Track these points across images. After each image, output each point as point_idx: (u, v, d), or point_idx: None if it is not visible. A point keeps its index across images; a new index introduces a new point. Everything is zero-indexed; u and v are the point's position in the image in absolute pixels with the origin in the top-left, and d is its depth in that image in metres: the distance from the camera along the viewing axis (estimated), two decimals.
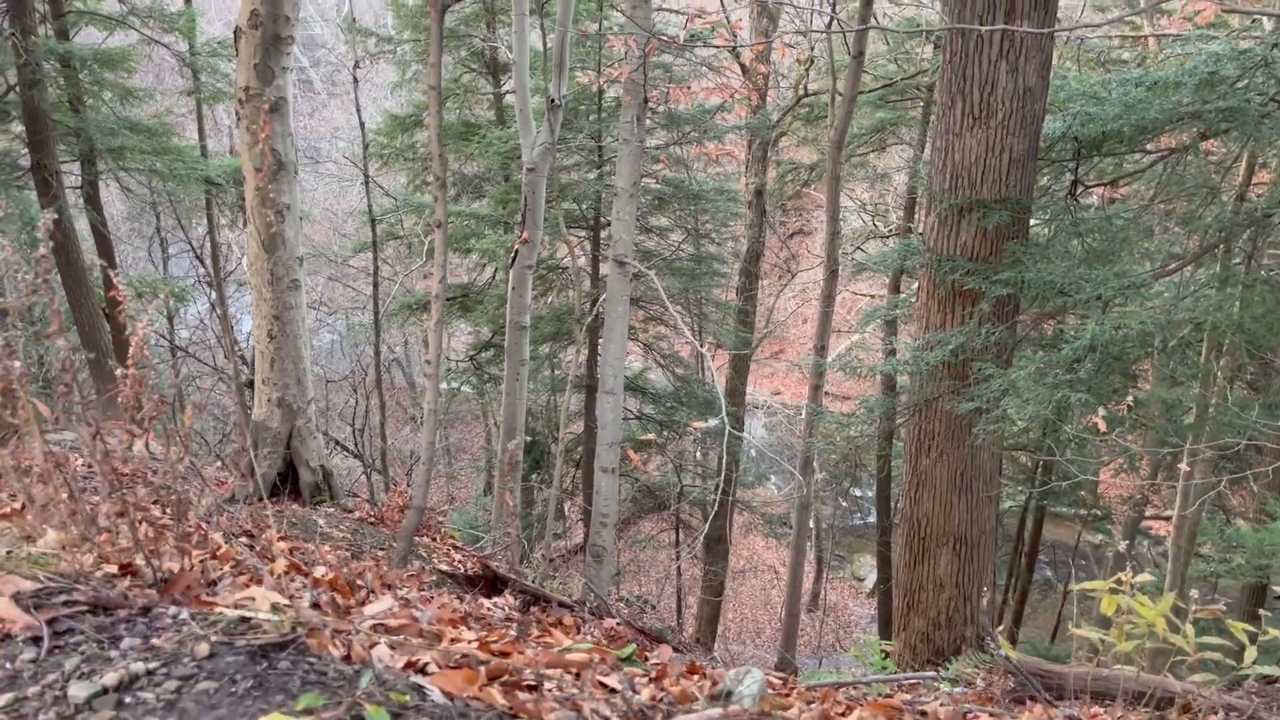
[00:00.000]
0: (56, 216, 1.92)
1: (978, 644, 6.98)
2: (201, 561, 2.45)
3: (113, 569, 1.97)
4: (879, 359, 15.53)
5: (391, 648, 1.94)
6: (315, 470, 6.80)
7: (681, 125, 13.97)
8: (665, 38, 7.90)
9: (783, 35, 12.36)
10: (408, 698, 1.53)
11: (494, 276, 15.66)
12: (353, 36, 16.32)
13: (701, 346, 12.87)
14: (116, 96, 12.62)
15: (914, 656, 7.15)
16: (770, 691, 2.52)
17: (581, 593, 5.90)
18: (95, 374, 10.59)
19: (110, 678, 1.46)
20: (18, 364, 1.84)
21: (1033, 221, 6.80)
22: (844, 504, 23.80)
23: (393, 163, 16.60)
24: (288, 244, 6.33)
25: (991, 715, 2.82)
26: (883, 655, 7.16)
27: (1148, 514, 14.43)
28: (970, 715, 2.88)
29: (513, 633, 2.93)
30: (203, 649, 1.57)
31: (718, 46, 12.53)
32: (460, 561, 6.76)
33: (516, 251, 7.46)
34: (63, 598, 1.73)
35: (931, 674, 4.73)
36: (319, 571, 3.20)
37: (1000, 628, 12.80)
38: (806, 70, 15.33)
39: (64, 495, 2.03)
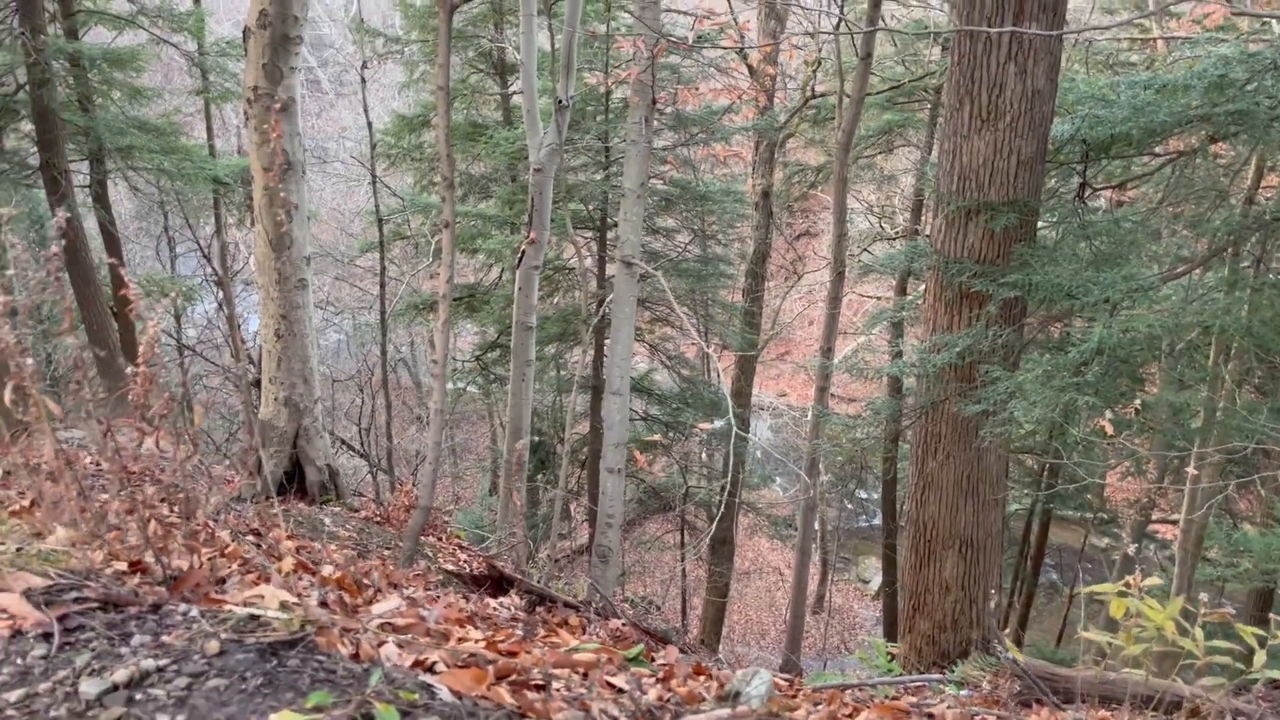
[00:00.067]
0: (69, 215, 1.93)
1: (983, 647, 6.97)
2: (210, 559, 2.46)
3: (122, 566, 1.98)
4: (885, 361, 15.51)
5: (399, 646, 1.95)
6: (321, 469, 6.81)
7: (689, 126, 13.97)
8: (674, 39, 7.91)
9: (790, 37, 12.36)
10: (417, 696, 1.54)
11: (500, 277, 15.67)
12: (361, 37, 16.36)
13: (708, 348, 12.85)
14: (125, 96, 12.68)
15: (919, 659, 7.14)
16: (777, 693, 2.52)
17: (587, 593, 5.90)
18: (103, 372, 10.62)
19: (121, 674, 1.47)
20: (30, 361, 1.85)
21: (1040, 224, 6.78)
22: (849, 506, 23.78)
23: (400, 163, 16.63)
24: (295, 243, 6.35)
25: (998, 718, 2.82)
26: (888, 658, 7.15)
27: (1154, 518, 14.38)
28: (977, 718, 2.88)
29: (519, 632, 2.94)
30: (213, 646, 1.58)
31: (726, 48, 12.54)
32: (466, 561, 6.77)
33: (523, 252, 7.47)
34: (73, 594, 1.74)
35: (937, 677, 4.72)
36: (326, 570, 3.21)
37: (1006, 631, 12.78)
38: (814, 72, 15.32)
39: (74, 493, 2.04)
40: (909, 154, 17.92)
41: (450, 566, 6.19)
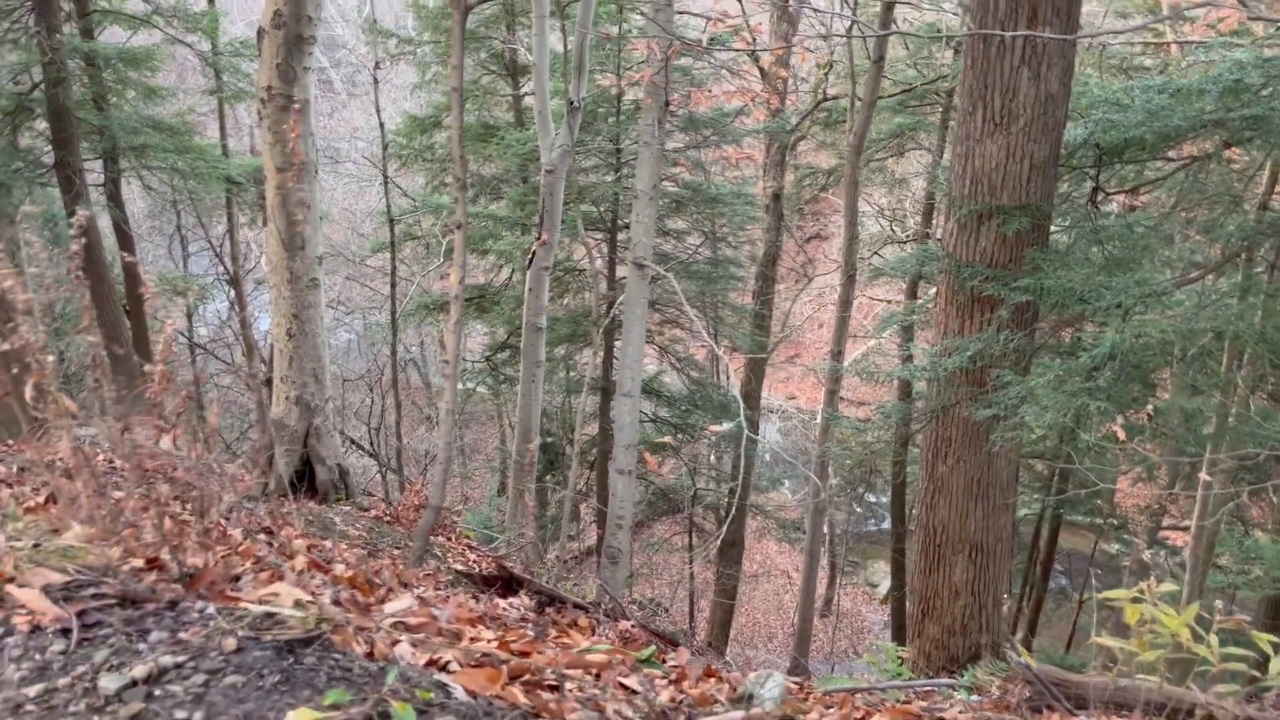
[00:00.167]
0: (89, 214, 1.95)
1: (993, 652, 6.96)
2: (224, 557, 2.47)
3: (139, 563, 1.99)
4: (895, 365, 15.48)
5: (413, 645, 1.95)
6: (332, 468, 6.84)
7: (701, 128, 13.97)
8: (688, 41, 7.92)
9: (804, 40, 12.36)
10: (432, 695, 1.54)
11: (510, 278, 15.69)
12: (373, 37, 16.41)
13: (719, 350, 12.86)
14: (140, 95, 12.75)
15: (929, 663, 7.13)
16: (790, 696, 2.52)
17: (596, 594, 5.91)
18: (117, 370, 10.67)
19: (139, 670, 1.48)
20: (50, 359, 1.87)
21: (1053, 228, 6.77)
22: (858, 510, 23.73)
23: (411, 163, 16.67)
24: (307, 243, 6.37)
25: None
26: (898, 661, 7.14)
27: (1165, 524, 14.32)
28: None
29: (530, 633, 2.94)
30: (230, 643, 1.59)
31: (738, 50, 12.54)
32: (475, 561, 6.78)
33: (534, 253, 7.49)
34: (91, 591, 1.75)
35: (947, 681, 4.71)
36: (338, 569, 3.22)
37: (1016, 636, 12.74)
38: (825, 74, 15.31)
39: (91, 489, 2.05)
40: (920, 157, 17.89)
41: (460, 566, 6.20)
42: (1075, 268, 6.05)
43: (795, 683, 3.27)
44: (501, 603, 4.50)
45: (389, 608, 2.33)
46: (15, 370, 1.90)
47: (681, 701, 2.02)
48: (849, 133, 11.38)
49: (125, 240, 13.00)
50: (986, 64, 6.14)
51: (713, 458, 20.23)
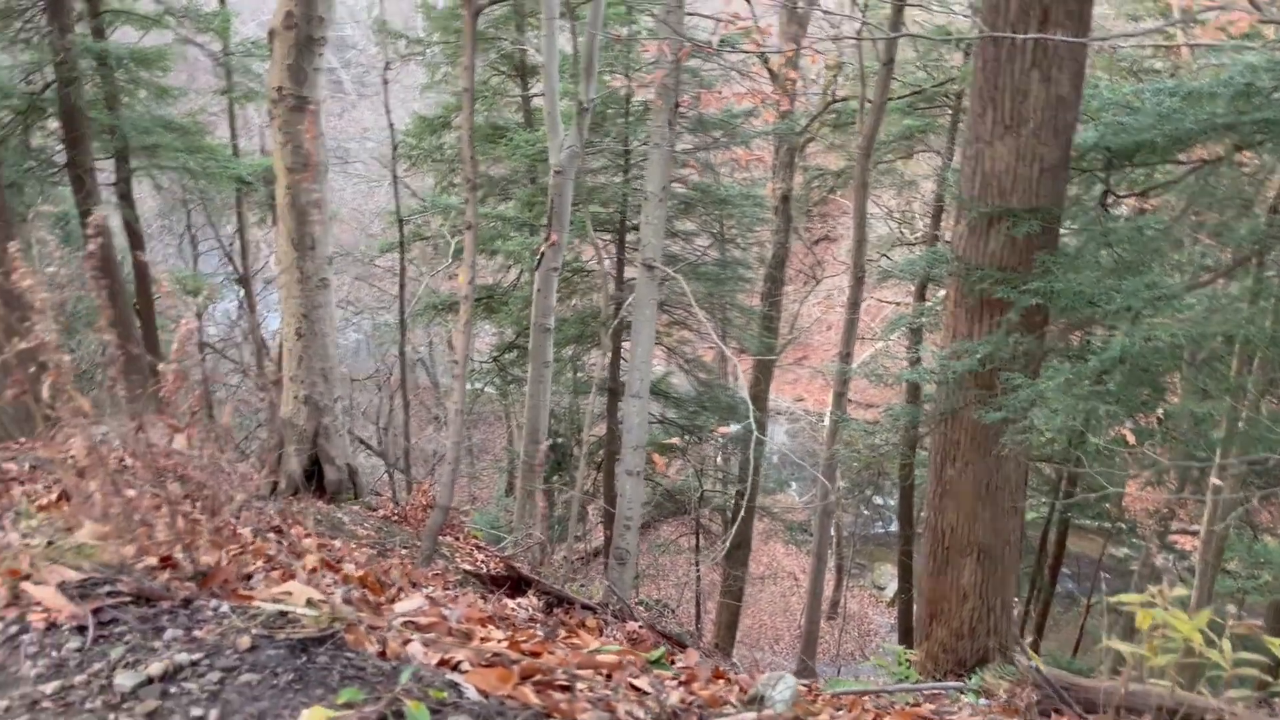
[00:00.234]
0: (105, 214, 1.96)
1: (1001, 655, 6.94)
2: (236, 556, 2.49)
3: (153, 561, 2.00)
4: (903, 367, 15.45)
5: (424, 645, 1.96)
6: (341, 468, 6.85)
7: (710, 130, 13.97)
8: (698, 43, 7.92)
9: (813, 42, 12.35)
10: (445, 695, 1.55)
11: (519, 278, 15.71)
12: (383, 38, 16.45)
13: (728, 352, 12.85)
14: (151, 95, 12.80)
15: (936, 666, 7.11)
16: (802, 698, 2.52)
17: (604, 595, 5.92)
18: (128, 368, 10.71)
19: (155, 668, 1.49)
20: (68, 358, 1.88)
21: (1062, 231, 6.75)
22: (866, 512, 23.68)
23: (421, 164, 16.71)
24: (318, 243, 6.39)
25: None
26: (907, 664, 7.13)
27: (1173, 528, 14.25)
28: None
29: (540, 633, 2.95)
30: (244, 642, 1.60)
31: (749, 52, 12.53)
32: (483, 561, 6.80)
33: (542, 254, 7.50)
34: (106, 588, 1.76)
35: (955, 684, 4.71)
36: (348, 568, 3.23)
37: (1028, 640, 12.71)
38: (835, 76, 15.29)
39: (106, 488, 2.06)
40: (929, 159, 17.85)
41: (468, 566, 6.22)
42: (1085, 271, 6.04)
43: (804, 685, 3.27)
44: (510, 603, 4.51)
45: (399, 607, 2.34)
46: (33, 369, 1.91)
47: (692, 703, 2.02)
48: (858, 135, 11.37)
49: (136, 239, 13.05)
50: (997, 66, 6.13)
51: (719, 459, 20.22)
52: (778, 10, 13.92)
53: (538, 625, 3.63)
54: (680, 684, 2.27)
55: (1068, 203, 6.73)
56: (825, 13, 15.03)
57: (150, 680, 1.47)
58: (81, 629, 1.62)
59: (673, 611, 16.60)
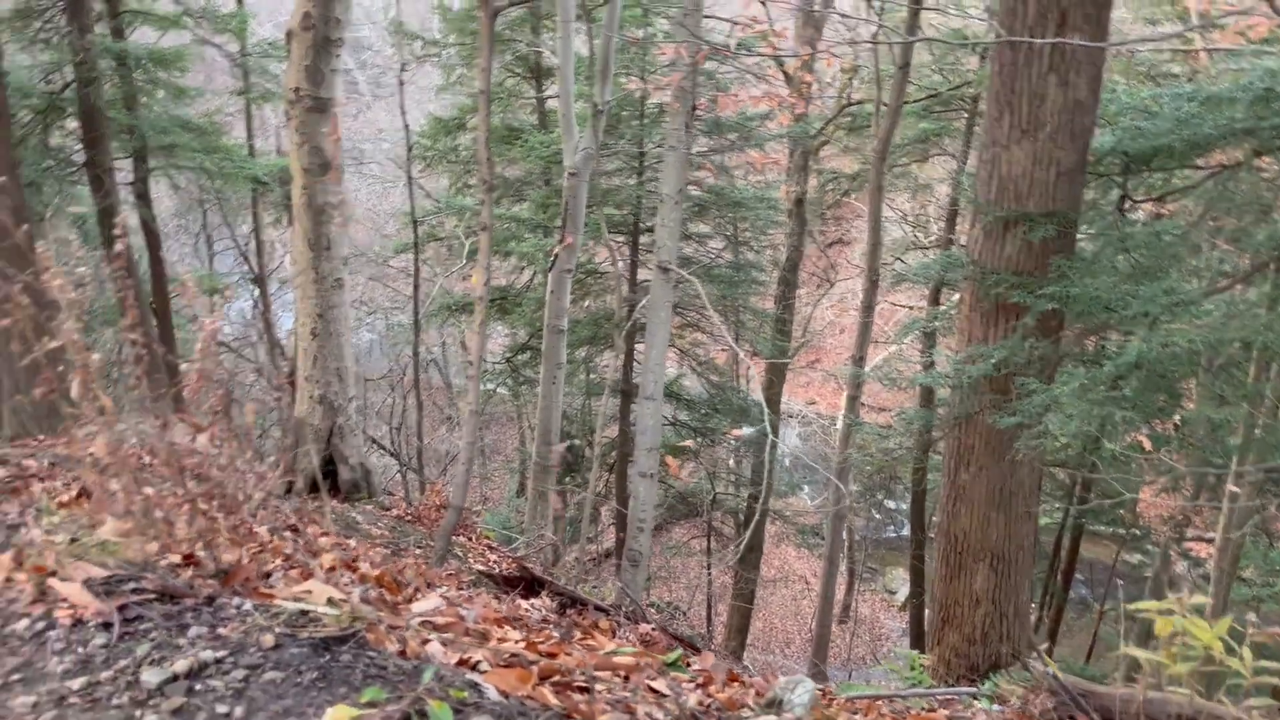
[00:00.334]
0: (127, 216, 1.98)
1: (1013, 660, 6.91)
2: (256, 554, 2.50)
3: (176, 559, 2.02)
4: (917, 371, 15.42)
5: (443, 645, 1.97)
6: (355, 468, 6.88)
7: (725, 133, 13.97)
8: (715, 45, 7.92)
9: (830, 46, 12.34)
10: (466, 695, 1.56)
11: (532, 279, 15.74)
12: (399, 39, 16.52)
13: (742, 354, 12.84)
14: (169, 95, 12.88)
15: (948, 671, 7.09)
16: (820, 702, 2.52)
17: (616, 597, 5.92)
18: (149, 368, 10.77)
19: (181, 665, 1.50)
20: (96, 357, 1.90)
21: (1079, 236, 6.73)
22: (878, 516, 23.63)
23: (436, 165, 16.77)
24: (333, 243, 6.42)
25: None
26: (919, 669, 7.11)
27: (1188, 535, 14.17)
28: None
29: (556, 634, 2.96)
30: (268, 640, 1.61)
31: (765, 55, 12.53)
32: (496, 562, 6.81)
33: (556, 255, 7.52)
34: (131, 585, 1.78)
35: (969, 690, 4.69)
36: (364, 568, 3.25)
37: (1045, 646, 12.66)
38: (850, 80, 15.27)
39: (130, 486, 2.08)
40: (945, 163, 17.81)
41: (481, 567, 6.23)
42: (1101, 276, 6.01)
43: (818, 689, 3.26)
44: (523, 604, 4.52)
45: (417, 607, 2.35)
46: (60, 368, 1.93)
47: (710, 705, 2.03)
48: (873, 138, 11.35)
49: (153, 239, 13.13)
50: (1014, 70, 6.11)
51: (731, 462, 20.21)
52: (794, 14, 13.92)
53: (552, 626, 3.64)
54: (697, 686, 2.28)
55: (1084, 207, 6.70)
56: (841, 16, 15.01)
57: (176, 677, 1.48)
58: (107, 625, 1.64)
59: (684, 614, 16.61)
